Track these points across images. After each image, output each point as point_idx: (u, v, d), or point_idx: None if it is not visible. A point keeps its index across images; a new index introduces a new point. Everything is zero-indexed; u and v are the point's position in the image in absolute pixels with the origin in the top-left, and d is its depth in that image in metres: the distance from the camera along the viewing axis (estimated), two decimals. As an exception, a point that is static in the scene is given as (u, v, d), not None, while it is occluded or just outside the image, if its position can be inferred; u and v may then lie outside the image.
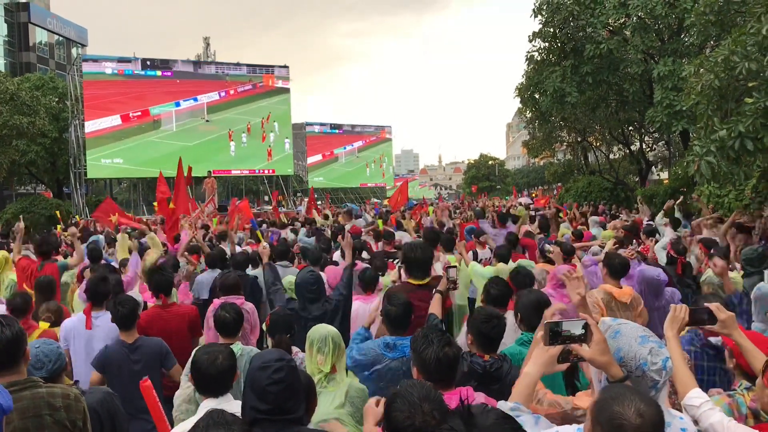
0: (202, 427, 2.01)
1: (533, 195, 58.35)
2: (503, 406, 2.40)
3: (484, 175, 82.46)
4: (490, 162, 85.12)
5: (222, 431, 1.98)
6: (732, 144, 7.84)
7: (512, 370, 3.40)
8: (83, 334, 5.03)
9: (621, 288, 5.18)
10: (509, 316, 4.27)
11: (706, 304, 3.24)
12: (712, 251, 6.28)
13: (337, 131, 55.78)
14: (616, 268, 5.35)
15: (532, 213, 19.01)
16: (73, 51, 57.82)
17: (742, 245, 7.83)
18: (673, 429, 2.23)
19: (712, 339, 3.68)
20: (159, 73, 35.00)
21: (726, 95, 8.76)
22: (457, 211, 21.67)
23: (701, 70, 9.20)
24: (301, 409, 2.59)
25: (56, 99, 32.98)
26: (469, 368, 3.41)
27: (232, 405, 3.13)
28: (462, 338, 4.24)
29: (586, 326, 2.29)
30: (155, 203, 15.39)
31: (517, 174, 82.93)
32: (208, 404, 3.14)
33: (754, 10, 8.82)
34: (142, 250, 8.26)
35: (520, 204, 33.08)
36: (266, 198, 44.20)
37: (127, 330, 4.69)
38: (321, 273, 6.01)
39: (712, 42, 13.95)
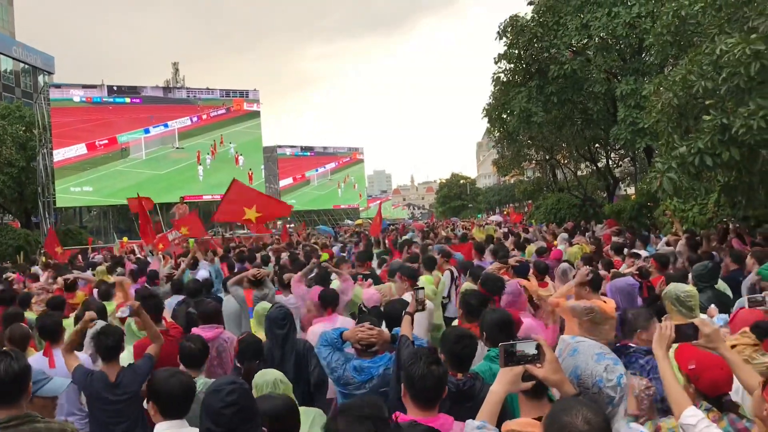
0: None
1: (505, 213, 58.89)
2: (470, 424, 2.49)
3: (456, 194, 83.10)
4: (461, 181, 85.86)
5: None
6: (692, 160, 8.08)
7: (484, 388, 3.47)
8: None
9: (604, 300, 5.27)
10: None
11: (691, 320, 3.32)
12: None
13: (308, 153, 55.84)
14: (597, 283, 5.52)
15: (504, 230, 19.26)
16: (40, 79, 57.16)
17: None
18: (631, 442, 2.32)
19: None
20: (128, 99, 34.73)
21: (685, 113, 9.05)
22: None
23: (661, 88, 9.50)
24: None
25: (23, 128, 32.53)
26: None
27: (187, 431, 3.15)
28: None
29: (539, 347, 2.39)
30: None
31: (488, 192, 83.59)
32: (164, 426, 3.13)
33: (708, 31, 9.16)
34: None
35: (493, 222, 33.42)
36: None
37: (110, 362, 4.55)
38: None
39: (671, 61, 14.35)
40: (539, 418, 2.74)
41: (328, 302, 5.93)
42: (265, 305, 6.00)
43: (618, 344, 4.03)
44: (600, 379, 2.33)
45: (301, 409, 3.47)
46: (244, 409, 2.59)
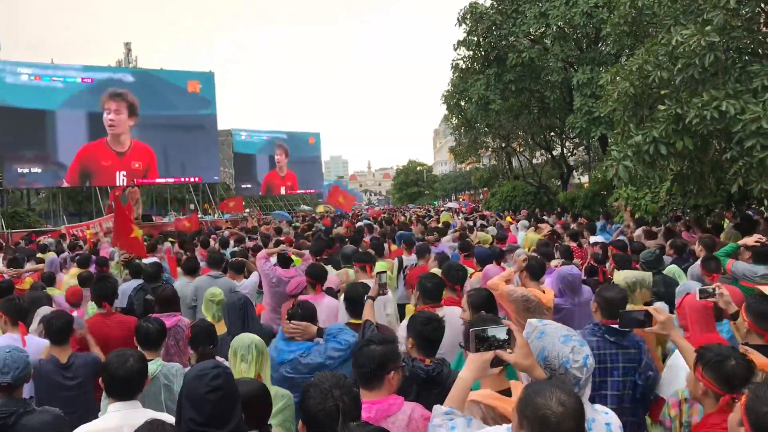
0: None
1: (461, 199, 59.42)
2: (438, 410, 2.48)
3: (412, 181, 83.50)
4: (418, 168, 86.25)
5: None
6: (647, 149, 8.21)
7: (451, 374, 3.46)
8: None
9: (542, 289, 5.33)
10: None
11: (645, 306, 3.44)
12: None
13: (264, 138, 55.13)
14: (535, 270, 5.55)
15: (462, 220, 19.42)
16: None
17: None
18: (597, 424, 2.35)
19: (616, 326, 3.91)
20: (79, 79, 33.62)
21: (641, 102, 9.19)
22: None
23: (617, 78, 9.62)
24: (236, 420, 2.54)
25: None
26: (411, 373, 3.44)
27: (139, 412, 3.09)
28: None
29: (509, 332, 2.39)
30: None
31: (444, 179, 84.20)
32: (116, 407, 3.10)
33: (664, 22, 9.31)
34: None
35: (449, 209, 33.67)
36: (192, 207, 43.32)
37: (60, 345, 4.48)
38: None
39: (627, 51, 14.56)
40: (501, 392, 2.76)
41: (316, 278, 5.86)
42: (214, 291, 5.90)
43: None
44: (566, 360, 2.35)
45: (272, 389, 3.48)
46: (228, 394, 2.52)
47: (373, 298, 4.35)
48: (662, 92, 8.55)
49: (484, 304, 4.10)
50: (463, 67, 21.31)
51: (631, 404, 3.92)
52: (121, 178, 33.17)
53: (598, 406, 2.51)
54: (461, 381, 2.55)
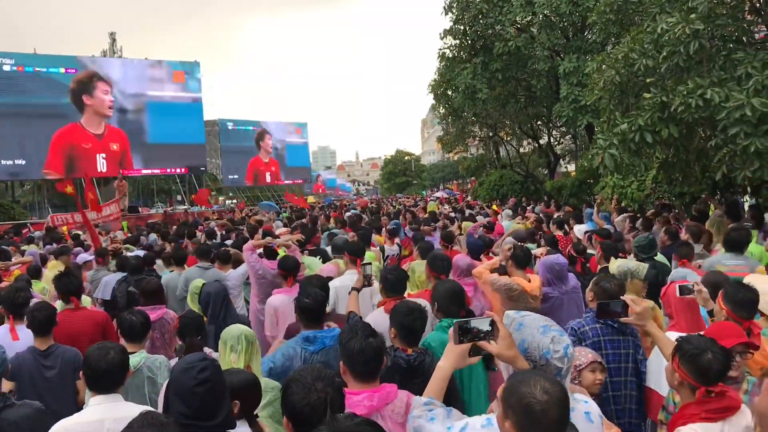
0: (136, 428, 1.95)
1: (450, 189, 59.47)
2: (417, 401, 2.48)
3: (400, 171, 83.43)
4: (406, 158, 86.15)
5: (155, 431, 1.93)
6: (633, 137, 8.22)
7: (434, 363, 3.46)
8: (7, 346, 4.77)
9: (528, 278, 5.35)
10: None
11: (622, 297, 3.46)
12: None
13: (251, 128, 54.85)
14: (521, 259, 5.55)
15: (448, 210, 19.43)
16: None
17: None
18: (577, 413, 2.35)
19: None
20: (62, 70, 33.21)
21: (626, 90, 9.21)
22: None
23: (603, 66, 9.63)
24: (224, 412, 2.53)
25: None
26: (393, 362, 3.44)
27: (121, 405, 3.08)
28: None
29: (492, 323, 2.38)
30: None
31: (432, 169, 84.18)
32: (97, 401, 3.09)
33: (650, 10, 9.31)
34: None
35: (437, 199, 33.71)
36: (179, 198, 43.09)
37: (43, 336, 4.46)
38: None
39: (613, 39, 14.59)
40: None
41: (288, 270, 5.79)
42: (197, 283, 5.87)
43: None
44: (547, 351, 2.34)
45: (262, 381, 3.46)
46: (216, 387, 2.51)
47: (358, 290, 4.33)
48: (648, 80, 8.56)
49: (451, 297, 4.08)
50: (450, 56, 21.25)
51: (637, 392, 3.96)
52: (100, 161, 32.90)
53: (577, 396, 2.51)
54: (440, 371, 2.55)
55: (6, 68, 31.21)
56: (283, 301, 5.45)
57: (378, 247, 8.99)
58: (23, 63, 31.74)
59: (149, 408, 2.81)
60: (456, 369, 2.58)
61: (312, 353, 3.81)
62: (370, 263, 4.59)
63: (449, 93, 21.32)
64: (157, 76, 36.91)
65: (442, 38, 20.88)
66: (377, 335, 2.95)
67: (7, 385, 4.33)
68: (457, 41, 20.55)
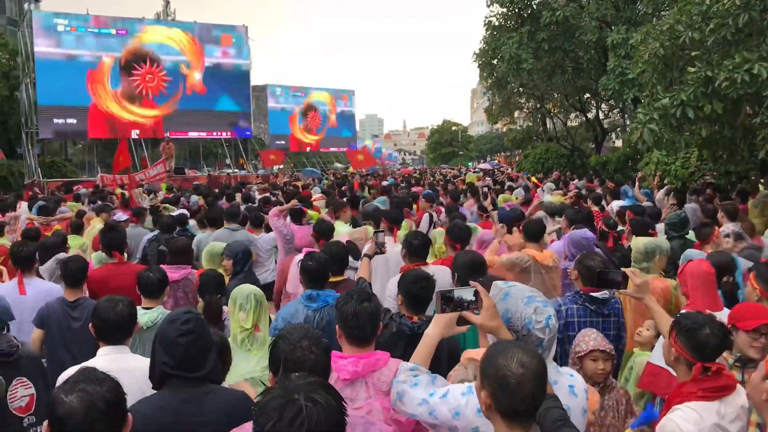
0: (72, 383, 1.96)
1: (497, 161, 58.88)
2: (403, 366, 2.51)
3: (446, 141, 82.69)
4: (453, 128, 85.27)
5: (94, 386, 1.94)
6: (674, 112, 7.99)
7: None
8: (13, 300, 4.96)
9: (542, 252, 5.30)
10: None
11: (623, 268, 3.41)
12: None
13: (298, 94, 54.99)
14: (533, 232, 5.52)
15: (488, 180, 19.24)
16: (25, 6, 55.50)
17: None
18: (560, 386, 2.33)
19: (596, 294, 3.90)
20: (113, 31, 33.68)
21: (670, 64, 8.92)
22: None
23: (648, 38, 9.33)
24: (210, 365, 2.60)
25: (6, 56, 31.76)
26: (397, 329, 3.48)
27: (127, 357, 3.20)
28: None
29: (476, 293, 2.37)
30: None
31: (479, 140, 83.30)
32: (105, 350, 3.20)
33: (700, -20, 8.95)
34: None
35: (480, 170, 33.43)
36: (227, 161, 43.65)
37: (73, 288, 4.61)
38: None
39: (666, 11, 14.12)
40: None
41: (321, 233, 6.03)
42: (216, 244, 5.98)
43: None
44: (529, 321, 2.33)
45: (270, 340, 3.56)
46: (200, 338, 2.57)
47: (370, 257, 4.37)
48: (693, 54, 8.26)
49: (470, 268, 4.07)
50: (497, 24, 20.84)
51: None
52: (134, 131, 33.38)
53: (564, 369, 2.50)
54: (427, 338, 2.57)
55: (60, 29, 31.80)
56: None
57: (427, 214, 8.94)
58: (76, 24, 32.25)
59: (143, 361, 2.90)
60: (443, 337, 2.60)
61: (314, 311, 3.88)
62: (383, 231, 4.61)
63: (494, 62, 20.96)
64: (206, 40, 37.15)
65: (488, 5, 20.49)
66: (372, 300, 2.96)
67: (37, 333, 4.53)
68: (504, 9, 20.13)
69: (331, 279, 4.26)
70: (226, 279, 5.27)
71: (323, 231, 6.05)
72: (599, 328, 3.79)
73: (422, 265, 4.48)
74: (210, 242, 7.53)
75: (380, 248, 4.43)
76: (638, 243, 5.39)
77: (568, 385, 2.37)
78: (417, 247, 4.73)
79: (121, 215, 9.87)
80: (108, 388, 1.97)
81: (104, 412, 1.92)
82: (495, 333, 2.33)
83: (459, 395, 2.28)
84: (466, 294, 2.37)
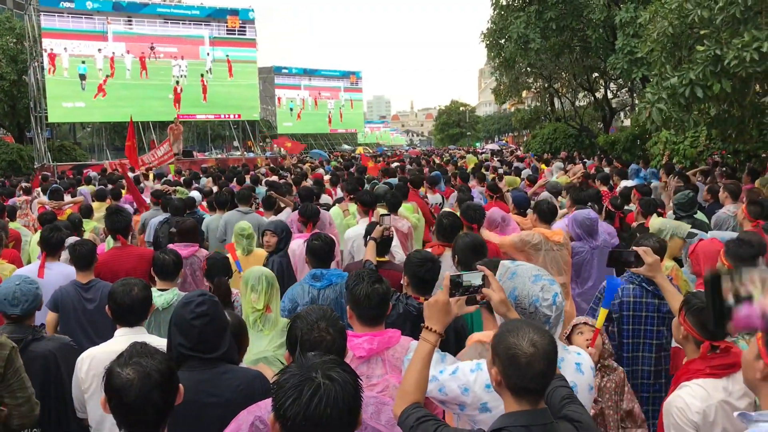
0: (126, 356, 2.06)
1: (505, 141, 58.64)
2: (414, 345, 2.55)
3: (454, 122, 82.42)
4: (461, 108, 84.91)
5: (147, 359, 2.04)
6: (683, 91, 7.97)
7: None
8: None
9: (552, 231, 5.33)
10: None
11: (634, 247, 3.44)
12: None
13: (305, 75, 54.89)
14: (545, 213, 5.54)
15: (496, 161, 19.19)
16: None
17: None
18: (567, 363, 2.38)
19: None
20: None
21: (679, 43, 8.87)
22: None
23: (657, 17, 9.27)
24: (225, 346, 2.67)
25: (14, 40, 31.73)
26: (404, 310, 3.54)
27: (144, 337, 3.24)
28: None
29: (485, 277, 2.42)
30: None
31: (487, 120, 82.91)
32: (122, 332, 3.29)
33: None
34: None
35: (488, 150, 33.31)
36: (235, 144, 43.69)
37: (83, 271, 4.68)
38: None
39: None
40: None
41: (308, 217, 6.05)
42: (243, 225, 6.02)
43: None
44: (536, 299, 2.37)
45: (282, 321, 3.69)
46: (214, 320, 2.64)
47: (377, 240, 4.42)
48: (702, 32, 8.22)
49: (471, 250, 4.08)
50: (504, 3, 20.69)
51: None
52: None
53: (571, 347, 2.54)
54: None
55: (65, 14, 31.67)
56: (299, 245, 5.65)
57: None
58: (81, 8, 32.13)
59: (159, 341, 2.96)
60: (454, 316, 2.63)
61: (319, 289, 3.96)
62: (388, 214, 4.65)
63: (502, 42, 20.84)
64: (212, 22, 37.03)
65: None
66: (383, 281, 3.01)
67: (51, 316, 4.60)
68: (512, -12, 19.99)
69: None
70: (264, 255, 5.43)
71: (309, 215, 6.09)
72: (654, 309, 3.77)
73: (450, 246, 4.44)
74: (219, 224, 7.64)
75: (387, 231, 4.48)
76: (655, 224, 5.43)
77: (575, 363, 2.42)
78: (446, 228, 4.76)
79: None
80: (160, 360, 2.08)
81: (158, 382, 2.01)
82: (503, 316, 2.37)
83: (468, 372, 2.33)
84: (475, 279, 2.42)
